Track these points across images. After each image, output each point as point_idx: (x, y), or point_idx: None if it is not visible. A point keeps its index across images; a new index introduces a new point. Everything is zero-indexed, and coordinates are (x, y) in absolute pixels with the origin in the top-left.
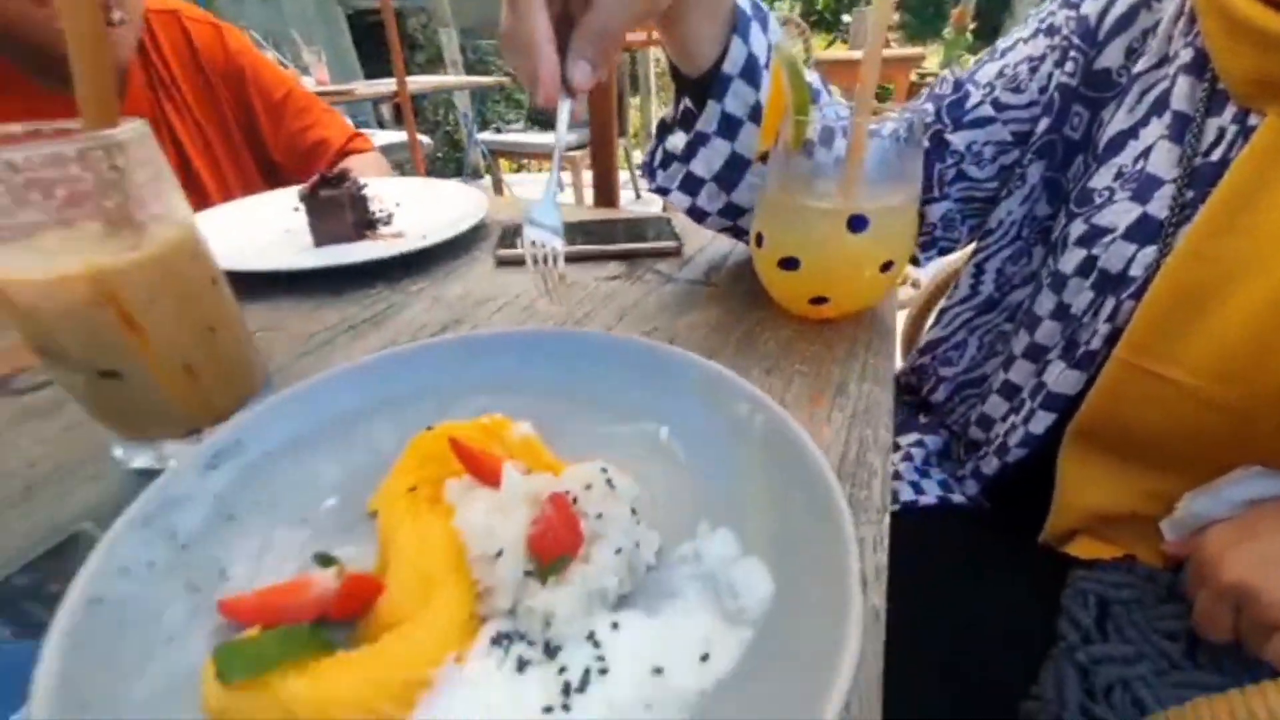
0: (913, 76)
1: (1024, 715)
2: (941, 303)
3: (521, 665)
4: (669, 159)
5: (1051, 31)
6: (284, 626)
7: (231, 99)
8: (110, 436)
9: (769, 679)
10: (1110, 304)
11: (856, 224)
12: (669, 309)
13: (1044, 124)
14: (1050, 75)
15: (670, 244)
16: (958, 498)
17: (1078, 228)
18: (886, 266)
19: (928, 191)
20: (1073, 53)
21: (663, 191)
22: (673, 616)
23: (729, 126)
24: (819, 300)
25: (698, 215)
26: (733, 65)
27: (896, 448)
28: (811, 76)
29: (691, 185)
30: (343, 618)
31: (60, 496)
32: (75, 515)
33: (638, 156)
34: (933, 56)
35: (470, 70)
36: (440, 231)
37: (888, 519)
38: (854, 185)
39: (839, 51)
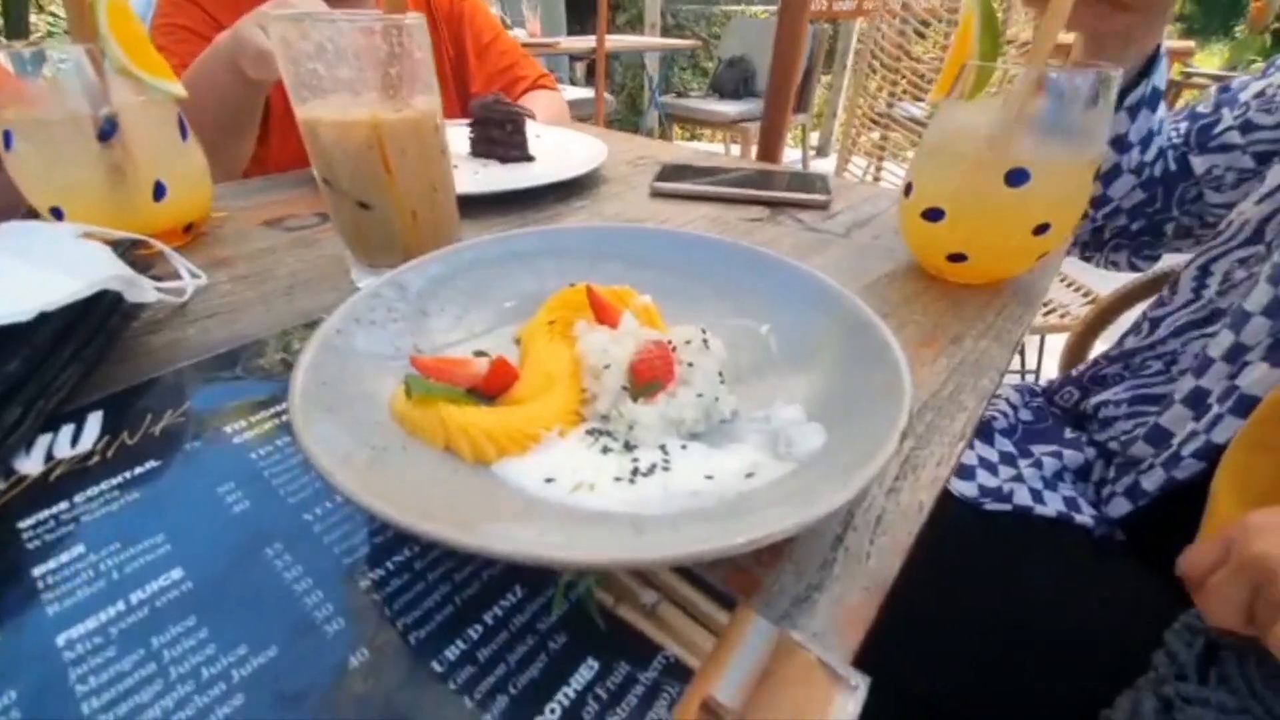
0: (1174, 73)
1: None
2: (1147, 310)
3: (605, 450)
4: None
5: None
6: (447, 385)
7: (450, 37)
8: (350, 262)
9: (793, 489)
10: None
11: (1015, 178)
12: (800, 250)
13: None
14: None
15: (818, 197)
16: (1081, 518)
17: None
18: (1040, 230)
19: (1166, 211)
20: None
21: None
22: (733, 450)
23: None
24: (957, 258)
25: None
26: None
27: (1029, 455)
28: None
29: None
30: (486, 392)
31: (310, 295)
32: (317, 309)
33: (814, 138)
34: (1211, 57)
35: (667, 33)
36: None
37: (962, 445)
38: (1018, 137)
39: None
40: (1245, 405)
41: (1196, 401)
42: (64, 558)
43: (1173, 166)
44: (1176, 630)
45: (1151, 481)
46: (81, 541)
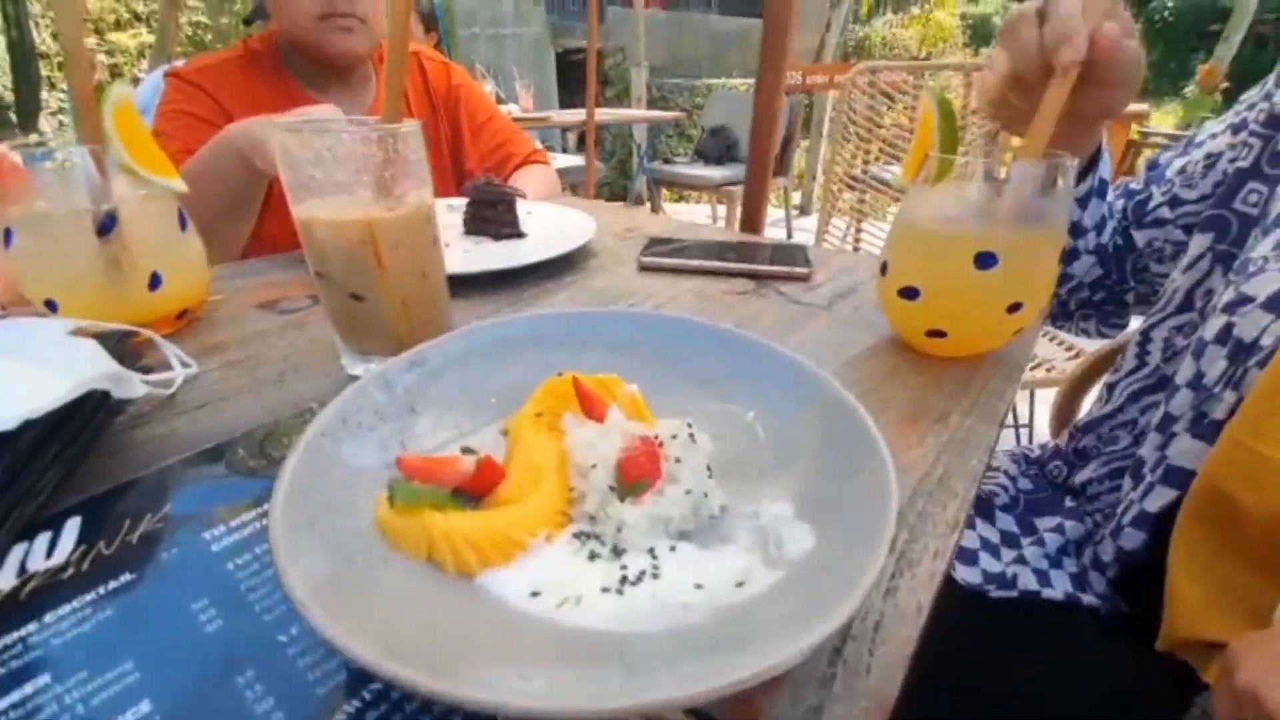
0: (1132, 133)
1: None
2: (1105, 378)
3: (592, 556)
4: None
5: (1238, 129)
6: (433, 486)
7: (447, 119)
8: (340, 348)
9: (788, 603)
10: (1239, 374)
11: (984, 261)
12: (784, 325)
13: (1209, 204)
14: (1225, 171)
15: (800, 269)
16: (1088, 598)
17: (1228, 295)
18: (1014, 309)
19: (1122, 282)
20: (1253, 140)
21: None
22: (722, 553)
23: None
24: (936, 334)
25: None
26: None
27: (1032, 531)
28: None
29: None
30: (473, 492)
31: (301, 382)
32: (309, 397)
33: (796, 198)
34: (1167, 116)
35: (653, 105)
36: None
37: (956, 535)
38: (984, 223)
39: None
40: (1171, 475)
41: (1136, 471)
42: (28, 689)
43: (1119, 241)
44: (1193, 715)
45: (1106, 553)
46: (48, 670)
